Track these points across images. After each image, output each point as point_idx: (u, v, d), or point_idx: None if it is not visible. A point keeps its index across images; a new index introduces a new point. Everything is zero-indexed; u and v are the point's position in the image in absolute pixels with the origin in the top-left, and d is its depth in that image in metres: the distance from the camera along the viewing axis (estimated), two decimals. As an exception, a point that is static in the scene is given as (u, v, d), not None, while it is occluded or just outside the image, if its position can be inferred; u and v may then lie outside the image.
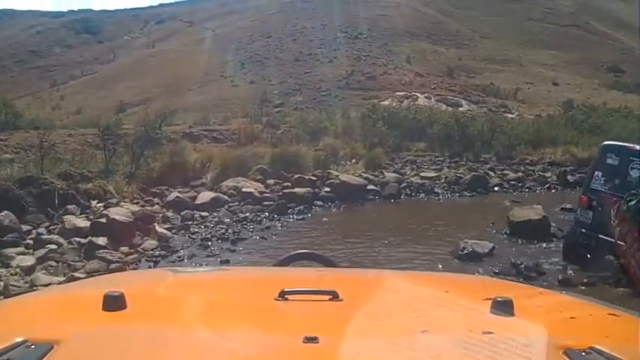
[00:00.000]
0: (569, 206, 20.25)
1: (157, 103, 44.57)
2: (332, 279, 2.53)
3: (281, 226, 17.16)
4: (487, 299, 1.74)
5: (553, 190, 25.63)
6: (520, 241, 15.10)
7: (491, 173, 26.61)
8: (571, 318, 1.88)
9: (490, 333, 1.47)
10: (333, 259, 3.23)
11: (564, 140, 33.60)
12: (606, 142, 12.63)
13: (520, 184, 25.65)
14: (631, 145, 11.84)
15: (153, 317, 1.84)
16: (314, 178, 21.76)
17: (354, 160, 26.84)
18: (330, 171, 23.00)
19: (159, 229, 15.41)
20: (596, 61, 72.86)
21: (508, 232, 16.03)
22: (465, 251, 13.53)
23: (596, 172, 11.83)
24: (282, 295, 1.87)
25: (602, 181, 11.61)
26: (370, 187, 22.01)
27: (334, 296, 1.85)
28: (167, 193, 18.94)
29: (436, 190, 23.49)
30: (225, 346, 1.54)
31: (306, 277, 2.61)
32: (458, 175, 24.84)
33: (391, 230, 16.64)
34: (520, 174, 27.25)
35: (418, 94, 49.36)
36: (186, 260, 13.45)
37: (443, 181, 24.28)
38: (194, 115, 39.59)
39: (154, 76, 63.93)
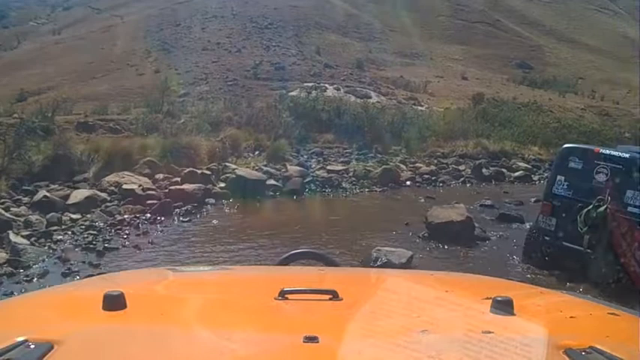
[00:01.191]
0: (488, 202, 18.92)
1: (59, 92, 41.26)
2: (332, 278, 2.51)
3: (161, 231, 14.72)
4: (487, 299, 1.72)
5: (468, 184, 24.09)
6: (442, 247, 13.06)
7: (403, 166, 24.62)
8: (571, 317, 1.86)
9: (490, 332, 1.44)
10: (335, 258, 3.25)
11: (476, 133, 32.58)
12: (568, 145, 12.14)
13: (434, 178, 23.99)
14: (594, 147, 11.41)
15: (153, 317, 1.81)
16: (208, 173, 19.37)
17: (257, 152, 24.77)
18: (228, 164, 20.61)
19: (14, 238, 12.62)
20: (505, 57, 73.37)
21: (427, 235, 14.17)
22: (379, 262, 11.36)
23: (559, 177, 11.33)
24: (283, 294, 1.85)
25: (565, 186, 11.11)
26: (271, 181, 19.74)
27: (334, 296, 1.84)
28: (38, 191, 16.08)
29: (344, 184, 21.38)
30: (225, 346, 1.51)
31: (307, 277, 2.59)
32: (367, 168, 22.70)
33: (290, 234, 14.40)
34: (433, 167, 25.53)
35: (327, 85, 47.50)
36: (35, 280, 10.83)
37: (351, 174, 22.11)
38: (95, 104, 36.40)
39: (58, 63, 59.67)
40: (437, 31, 79.01)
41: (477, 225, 14.43)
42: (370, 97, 44.78)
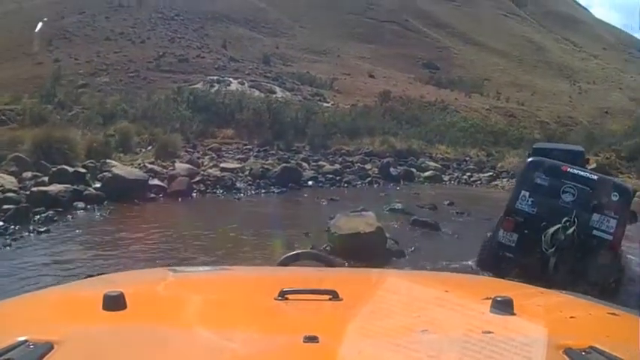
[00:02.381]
0: (399, 206, 16.84)
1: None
2: (332, 279, 2.44)
3: (8, 246, 11.29)
4: (487, 299, 1.68)
5: (375, 185, 22.06)
6: (347, 265, 10.15)
7: (305, 165, 22.39)
8: (571, 317, 1.82)
9: (490, 332, 1.41)
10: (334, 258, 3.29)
11: (382, 131, 31.30)
12: (533, 159, 11.49)
13: (338, 178, 21.74)
14: (562, 165, 10.72)
15: (153, 317, 1.75)
16: (83, 171, 16.52)
17: (150, 148, 22.27)
18: (110, 161, 17.74)
19: None
20: (412, 57, 73.24)
21: (329, 249, 11.10)
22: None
23: (523, 192, 10.52)
24: (283, 294, 1.79)
25: (529, 202, 10.39)
26: (155, 181, 16.96)
27: (334, 296, 1.78)
28: None
29: (238, 185, 18.76)
30: (225, 346, 1.49)
31: (306, 277, 2.47)
32: (265, 166, 20.14)
33: (163, 249, 11.44)
34: (338, 166, 23.30)
35: (231, 79, 45.96)
36: None
37: (247, 173, 19.40)
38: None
39: (-52, 51, 55.86)
40: (346, 28, 78.03)
41: (388, 236, 12.01)
42: (275, 92, 43.33)
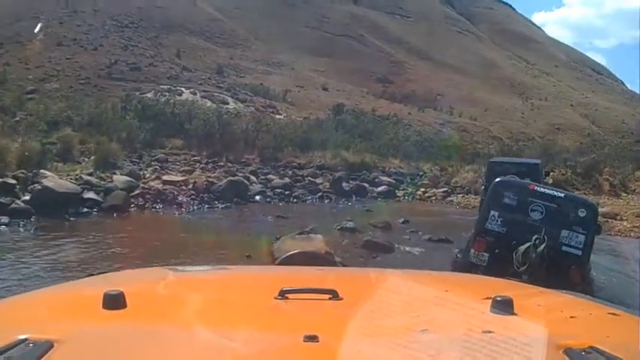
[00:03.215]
0: (350, 224, 15.62)
1: None
2: (332, 278, 2.50)
3: None
4: (487, 298, 1.68)
5: (327, 200, 20.97)
6: None
7: (253, 178, 21.06)
8: (571, 317, 1.81)
9: (490, 332, 1.40)
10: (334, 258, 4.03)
11: (335, 144, 30.25)
12: (500, 179, 11.30)
13: (287, 193, 20.63)
14: (529, 184, 10.88)
15: (153, 316, 1.75)
16: (13, 182, 15.19)
17: (93, 157, 20.72)
18: (44, 171, 16.51)
19: None
20: (366, 71, 73.40)
21: None
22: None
23: (492, 212, 10.40)
24: (283, 294, 1.78)
25: (499, 222, 10.28)
26: (90, 195, 15.58)
27: (334, 295, 1.77)
28: None
29: (180, 199, 17.31)
30: (225, 345, 1.47)
31: (306, 276, 2.55)
32: (210, 179, 18.85)
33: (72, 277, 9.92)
34: (287, 180, 22.08)
35: (183, 89, 45.46)
36: None
37: (190, 187, 18.03)
38: None
39: None
40: (301, 41, 77.61)
41: (338, 260, 10.85)
42: (227, 103, 42.72)
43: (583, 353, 1.40)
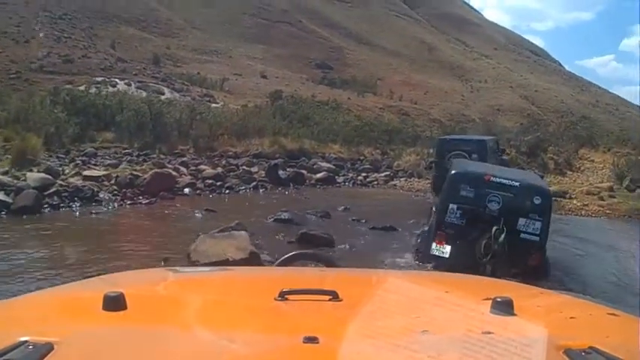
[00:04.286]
0: (286, 215, 14.41)
1: None
2: (332, 279, 2.44)
3: None
4: (487, 299, 1.67)
5: (262, 190, 19.75)
6: None
7: (183, 169, 19.64)
8: (571, 318, 1.81)
9: (490, 333, 1.38)
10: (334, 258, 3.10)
11: (272, 131, 29.16)
12: (456, 171, 11.42)
13: (219, 184, 19.18)
14: (485, 175, 10.94)
15: (153, 317, 1.74)
16: None
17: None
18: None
19: None
20: (305, 58, 72.85)
21: None
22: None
23: (451, 205, 10.73)
24: (282, 295, 1.78)
25: (457, 215, 10.60)
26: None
27: (334, 296, 1.78)
28: None
29: (100, 195, 15.67)
30: (225, 346, 1.46)
31: (306, 277, 2.50)
32: (135, 173, 17.35)
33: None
34: (220, 170, 20.64)
35: (117, 80, 43.87)
36: None
37: (112, 182, 16.60)
38: None
39: None
40: (238, 29, 76.60)
41: (267, 259, 9.61)
42: (163, 94, 41.36)
43: (583, 354, 1.40)
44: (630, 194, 24.29)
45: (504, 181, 10.71)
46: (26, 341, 1.35)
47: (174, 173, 18.41)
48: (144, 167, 18.92)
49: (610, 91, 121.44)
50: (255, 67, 62.52)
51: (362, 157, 30.68)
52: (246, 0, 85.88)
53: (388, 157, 31.42)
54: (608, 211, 21.80)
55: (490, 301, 1.62)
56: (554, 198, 19.58)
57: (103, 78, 43.74)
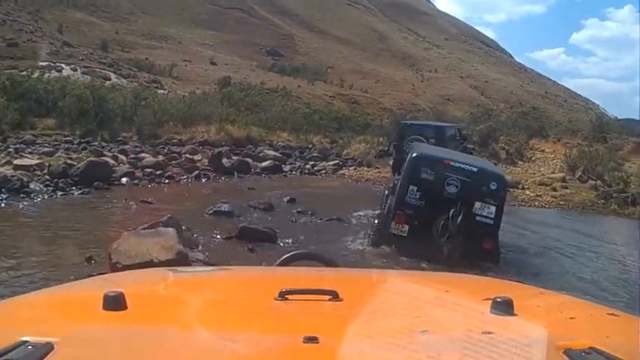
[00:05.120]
0: (226, 207, 13.49)
1: None
2: (332, 279, 2.39)
3: None
4: (487, 299, 1.65)
5: (204, 179, 18.89)
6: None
7: (122, 157, 18.73)
8: (571, 318, 1.78)
9: (490, 333, 1.37)
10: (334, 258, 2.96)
11: (220, 118, 28.32)
12: (417, 154, 11.87)
13: (159, 173, 18.17)
14: (445, 159, 11.54)
15: (153, 317, 1.72)
16: None
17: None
18: None
19: None
20: (256, 44, 72.55)
21: None
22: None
23: (411, 187, 11.20)
24: (282, 295, 1.76)
25: (417, 196, 11.12)
26: None
27: (334, 296, 1.76)
28: None
29: (31, 186, 14.58)
30: (225, 346, 1.45)
31: (306, 277, 2.43)
32: (69, 162, 16.35)
33: None
34: (161, 158, 19.75)
35: (64, 65, 42.49)
36: None
37: (45, 171, 15.60)
38: None
39: None
40: (189, 14, 75.20)
41: (199, 258, 8.78)
42: (109, 79, 40.28)
43: (583, 354, 1.39)
44: (583, 185, 24.33)
45: (463, 166, 11.23)
46: (26, 341, 1.33)
47: (111, 162, 17.50)
48: (81, 155, 17.99)
49: (559, 83, 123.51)
50: (204, 53, 61.85)
51: (311, 145, 30.08)
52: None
53: (337, 145, 30.77)
54: (561, 202, 21.82)
55: (490, 301, 1.60)
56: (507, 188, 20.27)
57: (48, 63, 42.38)
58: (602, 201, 22.13)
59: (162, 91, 37.78)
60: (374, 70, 74.13)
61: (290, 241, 11.47)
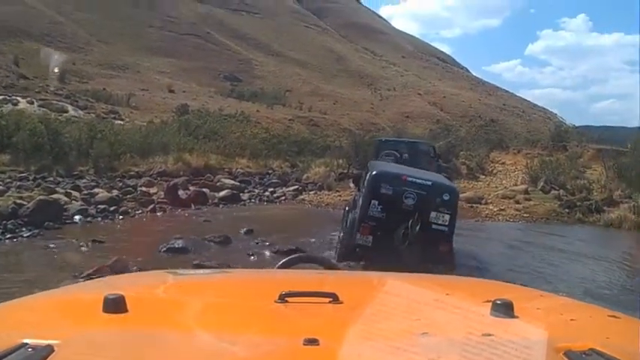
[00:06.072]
0: (179, 243, 13.01)
1: None
2: (332, 281, 2.46)
3: None
4: (487, 301, 1.67)
5: (160, 213, 18.30)
6: None
7: (76, 194, 18.18)
8: (571, 320, 1.79)
9: (490, 335, 1.40)
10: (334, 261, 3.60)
11: (178, 147, 27.82)
12: (376, 172, 12.68)
13: (113, 208, 17.53)
14: (402, 175, 12.44)
15: (153, 320, 1.72)
16: None
17: None
18: None
19: None
20: (214, 70, 72.33)
21: None
22: None
23: (373, 201, 12.09)
24: (282, 297, 1.78)
25: (379, 209, 12.01)
26: None
27: (334, 299, 1.79)
28: None
29: None
30: (225, 349, 1.46)
31: (306, 280, 2.51)
32: (18, 202, 15.69)
33: None
34: (116, 192, 19.20)
35: (19, 98, 41.27)
36: None
37: (-7, 213, 14.97)
38: None
39: None
40: (145, 42, 75.05)
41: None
42: (67, 111, 39.35)
43: (583, 356, 1.40)
44: (546, 196, 24.42)
45: (418, 180, 12.23)
46: (26, 343, 1.33)
47: (64, 199, 16.92)
48: (33, 194, 17.35)
49: (517, 94, 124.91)
50: (162, 81, 61.28)
51: (270, 171, 29.72)
52: (153, 13, 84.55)
53: (297, 169, 30.43)
54: (525, 215, 21.89)
55: (490, 304, 1.60)
56: (470, 204, 22.56)
57: (4, 96, 40.93)
58: (567, 210, 22.26)
59: (119, 122, 37.06)
60: (332, 91, 74.31)
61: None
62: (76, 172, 22.49)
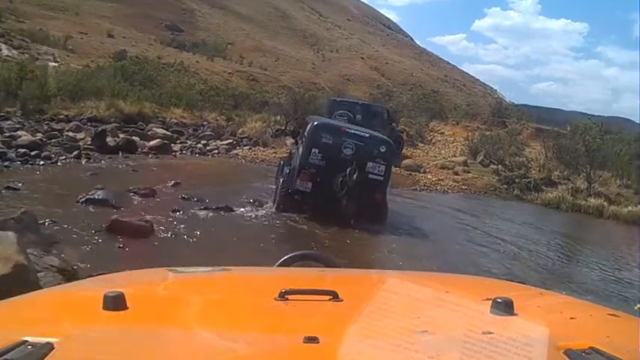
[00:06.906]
0: (100, 194, 11.96)
1: None
2: (332, 279, 2.43)
3: None
4: (487, 299, 1.67)
5: (85, 160, 17.38)
6: None
7: (-5, 138, 17.09)
8: (571, 318, 1.79)
9: (490, 333, 1.37)
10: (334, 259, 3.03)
11: (112, 93, 26.62)
12: (318, 122, 13.66)
13: (35, 153, 16.50)
14: (342, 126, 13.95)
15: (153, 317, 1.73)
16: None
17: None
18: None
19: None
20: (155, 18, 70.06)
21: None
22: None
23: (313, 150, 12.87)
24: (283, 295, 1.78)
25: (319, 157, 12.82)
26: None
27: (334, 296, 1.78)
28: None
29: None
30: (225, 347, 1.47)
31: (307, 278, 2.49)
32: None
33: None
34: (40, 136, 18.20)
35: None
36: None
37: None
38: None
39: None
40: (88, -15, 71.51)
41: (51, 265, 7.36)
42: (0, 50, 37.32)
43: (583, 354, 1.40)
44: (484, 169, 24.54)
45: (357, 132, 13.23)
46: (26, 341, 1.32)
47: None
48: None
49: (459, 67, 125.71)
50: (102, 25, 59.07)
51: (205, 123, 28.79)
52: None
53: (233, 123, 29.60)
54: (464, 187, 22.08)
55: (490, 302, 1.60)
56: (408, 172, 23.09)
57: None
58: (505, 186, 22.40)
59: (53, 64, 35.26)
60: (275, 47, 73.46)
61: (168, 235, 10.26)
62: (2, 114, 21.36)
